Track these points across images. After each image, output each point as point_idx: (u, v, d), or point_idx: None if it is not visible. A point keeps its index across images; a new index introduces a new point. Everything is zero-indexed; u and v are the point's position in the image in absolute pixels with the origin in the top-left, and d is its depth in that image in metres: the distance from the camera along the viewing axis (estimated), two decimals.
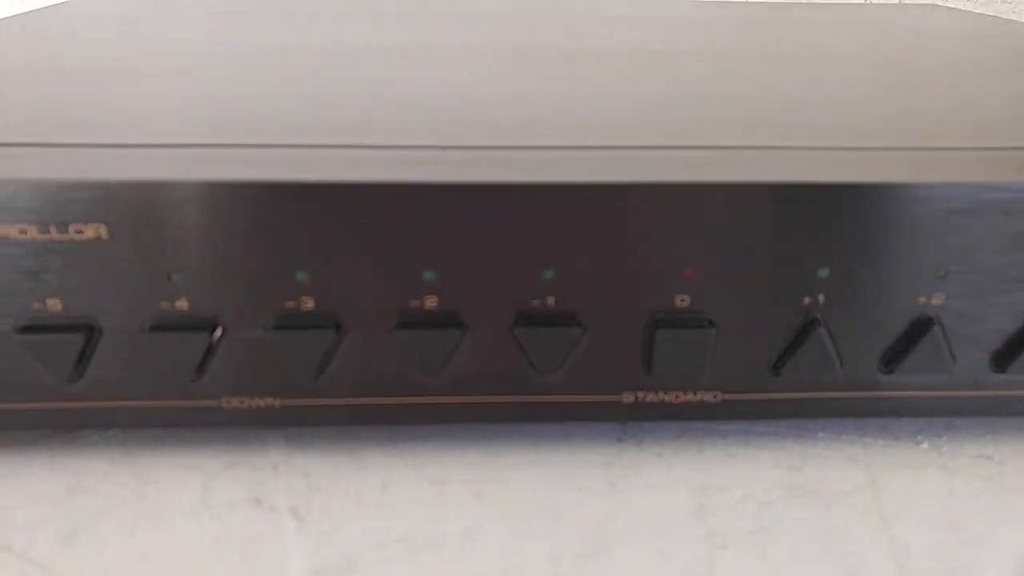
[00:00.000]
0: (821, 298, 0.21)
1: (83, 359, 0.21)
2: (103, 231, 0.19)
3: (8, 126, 0.22)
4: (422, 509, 0.21)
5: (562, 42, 0.37)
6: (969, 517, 0.21)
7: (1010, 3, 0.65)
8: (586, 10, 0.48)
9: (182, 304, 0.20)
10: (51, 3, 0.49)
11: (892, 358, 0.22)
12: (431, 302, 0.21)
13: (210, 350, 0.21)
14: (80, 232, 0.19)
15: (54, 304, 0.20)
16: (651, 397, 0.22)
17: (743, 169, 0.20)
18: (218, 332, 0.21)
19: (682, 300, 0.21)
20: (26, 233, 0.19)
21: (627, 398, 0.22)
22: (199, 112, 0.24)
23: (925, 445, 0.24)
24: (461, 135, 0.22)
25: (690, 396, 0.22)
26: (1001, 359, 0.22)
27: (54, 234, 0.19)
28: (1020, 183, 0.20)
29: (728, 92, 0.28)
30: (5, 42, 0.34)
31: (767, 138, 0.23)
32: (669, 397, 0.22)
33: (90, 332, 0.20)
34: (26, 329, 0.20)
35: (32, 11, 0.43)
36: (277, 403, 0.22)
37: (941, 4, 0.60)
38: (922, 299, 0.21)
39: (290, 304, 0.20)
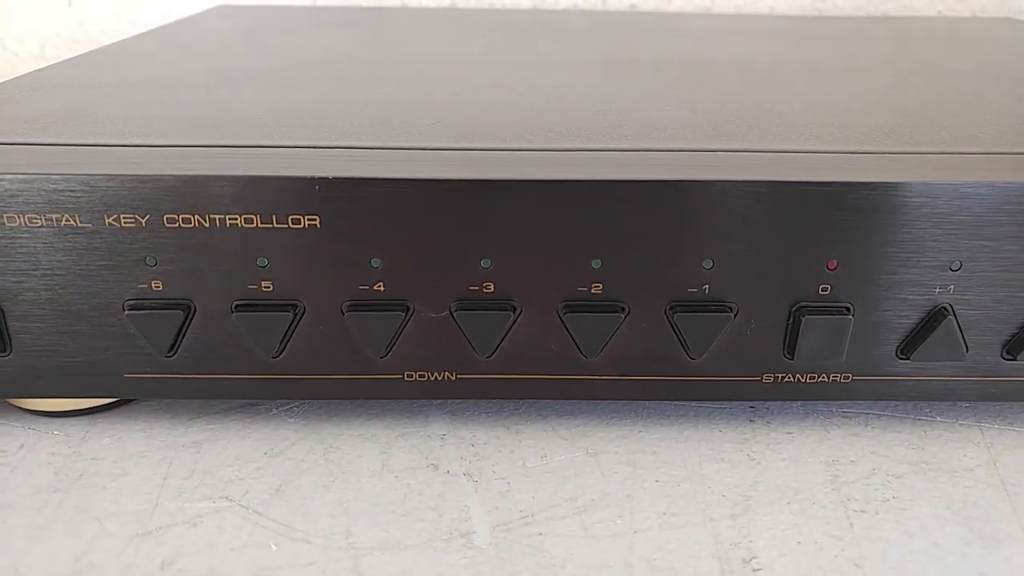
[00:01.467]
0: (952, 288, 0.23)
1: (287, 336, 0.23)
2: (316, 221, 0.22)
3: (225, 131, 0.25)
4: (582, 475, 0.24)
5: (648, 56, 0.39)
6: None
7: None
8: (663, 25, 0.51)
9: (378, 287, 0.23)
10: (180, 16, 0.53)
11: (1014, 346, 0.24)
12: (596, 288, 0.23)
13: (399, 329, 0.23)
14: (298, 222, 0.22)
15: (266, 286, 0.23)
16: (789, 378, 0.24)
17: (873, 171, 0.22)
18: (408, 312, 0.23)
19: (824, 289, 0.23)
20: (252, 223, 0.22)
21: (767, 379, 0.24)
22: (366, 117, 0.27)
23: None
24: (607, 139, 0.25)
25: (824, 378, 0.24)
26: None
27: (274, 224, 0.22)
28: None
29: (815, 100, 0.30)
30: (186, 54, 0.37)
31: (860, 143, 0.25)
32: (806, 379, 0.24)
33: (293, 310, 0.23)
34: (240, 307, 0.23)
35: (171, 23, 0.47)
36: (454, 377, 0.24)
37: (1014, 17, 0.61)
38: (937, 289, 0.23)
39: (472, 287, 0.23)
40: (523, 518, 0.22)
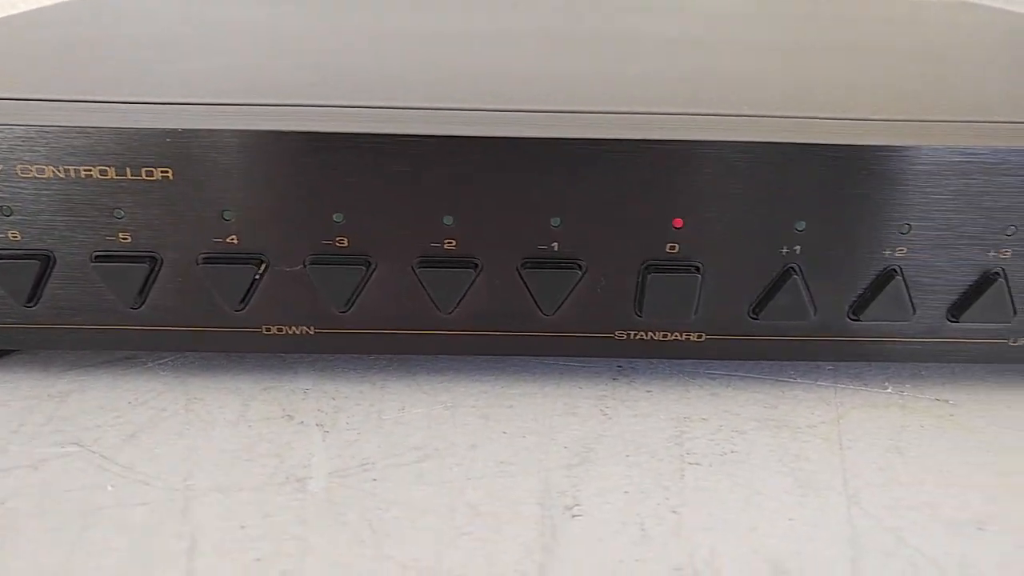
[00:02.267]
0: (798, 248, 0.24)
1: (145, 287, 0.24)
2: (169, 173, 0.23)
3: (87, 87, 0.26)
4: (434, 427, 0.24)
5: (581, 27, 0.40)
6: (913, 444, 0.24)
7: None
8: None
9: (232, 240, 0.23)
10: None
11: (859, 306, 0.24)
12: (450, 244, 0.23)
13: (255, 282, 0.24)
14: (150, 174, 0.23)
15: (124, 237, 0.23)
16: (641, 336, 0.25)
17: (729, 132, 0.23)
18: (262, 266, 0.24)
19: (672, 248, 0.24)
20: (106, 174, 0.22)
21: (620, 335, 0.25)
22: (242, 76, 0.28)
23: (890, 390, 0.27)
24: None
25: (677, 336, 0.25)
26: (956, 309, 0.24)
27: (128, 175, 0.23)
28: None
29: (741, 72, 0.31)
30: (68, 21, 0.38)
31: (759, 109, 0.25)
32: (658, 336, 0.25)
33: (152, 262, 0.24)
34: (99, 258, 0.24)
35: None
36: (312, 331, 0.25)
37: (971, 1, 0.61)
38: (887, 252, 0.24)
39: (325, 242, 0.23)
40: (362, 465, 0.23)
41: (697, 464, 0.23)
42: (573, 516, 0.21)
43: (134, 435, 0.24)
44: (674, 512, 0.21)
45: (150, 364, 0.27)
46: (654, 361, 0.28)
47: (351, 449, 0.23)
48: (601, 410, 0.25)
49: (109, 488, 0.21)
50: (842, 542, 0.20)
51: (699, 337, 0.25)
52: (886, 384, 0.27)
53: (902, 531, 0.21)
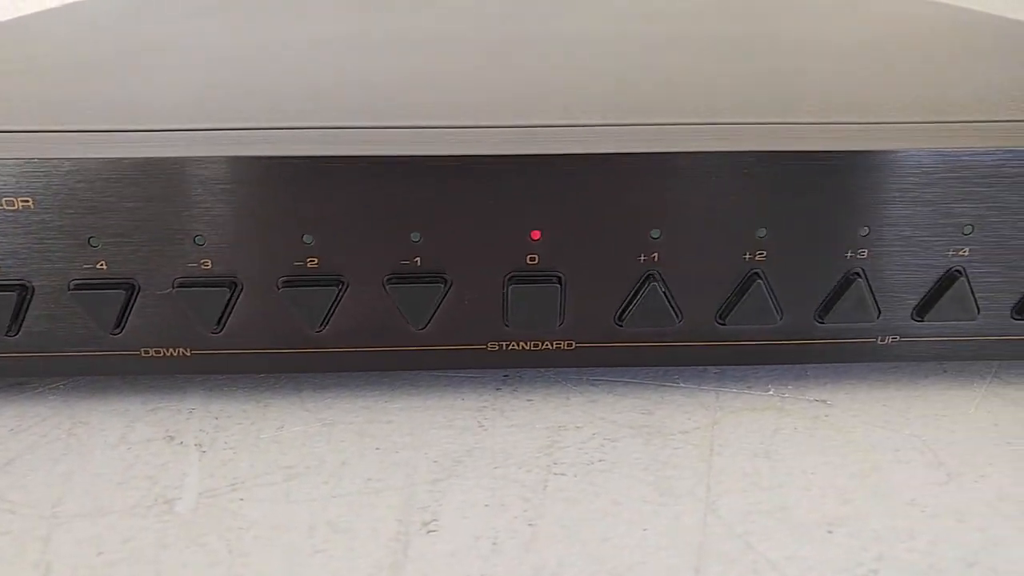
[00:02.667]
0: (656, 256, 0.24)
1: (19, 315, 0.24)
2: (30, 203, 0.23)
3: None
4: (309, 445, 0.25)
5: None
6: (783, 448, 0.24)
7: None
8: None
9: (101, 265, 0.24)
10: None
11: (726, 310, 0.25)
12: (312, 263, 0.24)
13: (126, 306, 0.24)
14: (11, 203, 0.23)
15: None
16: (513, 346, 0.25)
17: (578, 144, 0.23)
18: (134, 290, 0.24)
19: (532, 259, 0.24)
20: None
21: (492, 347, 0.25)
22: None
23: (772, 392, 0.27)
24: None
25: (547, 345, 0.25)
26: (822, 310, 0.25)
27: None
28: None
29: (606, 73, 0.31)
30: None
31: (616, 118, 0.25)
32: (528, 346, 0.25)
33: (22, 290, 0.24)
34: None
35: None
36: (188, 352, 0.25)
37: None
38: (747, 256, 0.24)
39: (191, 265, 0.24)
40: (232, 485, 0.23)
41: (562, 475, 0.23)
42: (428, 532, 0.21)
43: (10, 462, 0.24)
44: (530, 525, 0.22)
45: (40, 389, 0.27)
46: (543, 370, 0.28)
47: (224, 469, 0.24)
48: (479, 422, 0.26)
49: None
50: (690, 550, 0.21)
51: (569, 345, 0.25)
52: (769, 387, 0.27)
53: (751, 536, 0.21)
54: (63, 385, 0.28)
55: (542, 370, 0.28)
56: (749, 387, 0.27)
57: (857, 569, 0.20)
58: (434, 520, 0.22)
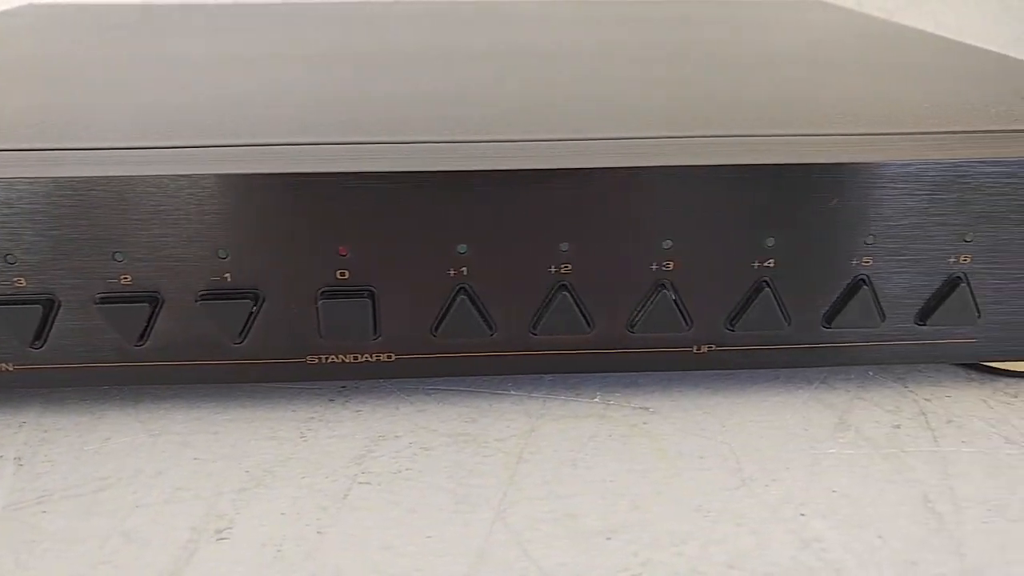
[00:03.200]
0: (465, 270, 0.24)
1: None
2: None
3: None
4: (131, 455, 0.25)
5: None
6: (592, 455, 0.25)
7: None
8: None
9: None
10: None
11: (538, 320, 0.25)
12: (126, 280, 0.24)
13: None
14: None
15: None
16: (332, 359, 0.26)
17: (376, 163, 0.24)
18: None
19: (342, 274, 0.24)
20: None
21: (312, 360, 0.26)
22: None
23: (598, 399, 0.28)
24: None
25: (367, 357, 0.26)
26: (632, 320, 0.25)
27: None
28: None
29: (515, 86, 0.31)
30: None
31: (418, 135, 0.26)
32: (348, 358, 0.26)
33: None
34: None
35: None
36: (11, 368, 0.25)
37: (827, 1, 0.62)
38: (553, 269, 0.24)
39: (3, 282, 0.24)
40: (39, 498, 0.23)
41: (367, 483, 0.24)
42: (219, 539, 0.22)
43: None
44: (319, 533, 0.22)
45: None
46: (382, 381, 0.29)
47: (37, 482, 0.24)
48: (301, 433, 0.26)
49: None
50: (467, 558, 0.21)
51: (388, 357, 0.26)
52: (596, 395, 0.28)
53: (531, 544, 0.22)
54: None
55: (379, 381, 0.29)
56: (578, 395, 0.28)
57: (621, 574, 0.21)
58: (228, 528, 0.22)
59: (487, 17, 0.50)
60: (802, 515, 0.23)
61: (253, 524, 0.22)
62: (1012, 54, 0.38)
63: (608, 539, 0.22)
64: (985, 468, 0.24)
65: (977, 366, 0.29)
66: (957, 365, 0.30)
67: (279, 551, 0.21)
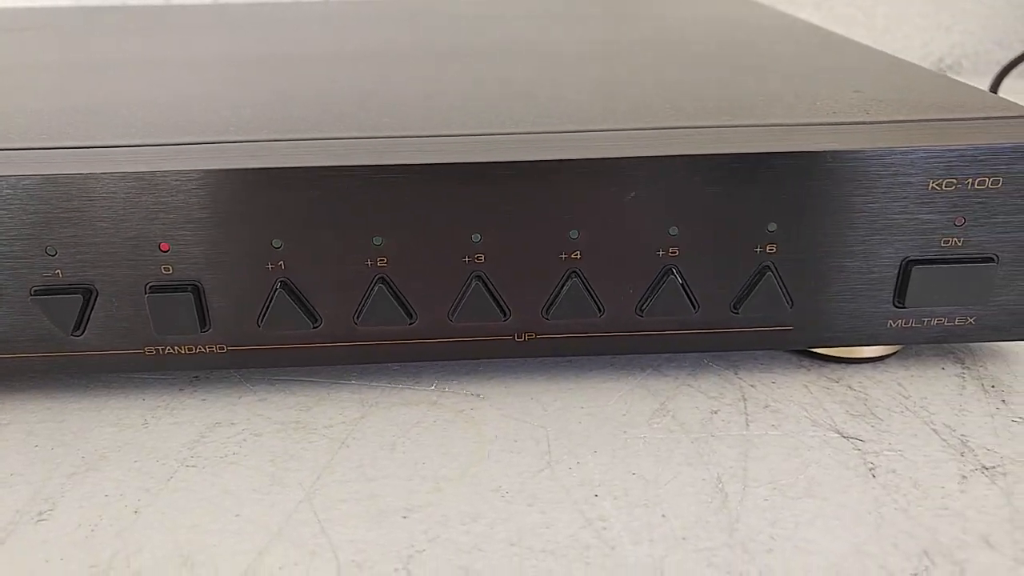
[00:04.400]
0: (283, 264, 0.26)
1: None
2: None
3: None
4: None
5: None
6: (412, 440, 0.26)
7: None
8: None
9: None
10: None
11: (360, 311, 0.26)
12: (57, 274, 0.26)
13: None
14: None
15: None
16: (169, 351, 0.27)
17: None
18: None
19: (166, 268, 0.26)
20: None
21: (149, 351, 0.27)
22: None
23: (434, 387, 0.29)
24: None
25: (200, 348, 0.27)
26: (453, 308, 0.26)
27: None
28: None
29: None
30: None
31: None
32: (180, 350, 0.27)
33: None
34: None
35: None
36: None
37: None
38: (368, 262, 0.26)
39: None
40: None
41: (193, 467, 0.25)
42: (39, 520, 0.23)
43: None
44: (135, 512, 0.23)
45: None
46: (233, 371, 0.30)
47: None
48: (145, 420, 0.28)
49: None
50: (268, 534, 0.23)
51: (221, 349, 0.27)
52: (433, 382, 0.29)
53: (330, 523, 0.23)
54: None
55: (233, 371, 0.30)
56: (417, 383, 0.29)
57: (405, 550, 0.22)
58: (50, 510, 0.24)
59: (485, 17, 0.51)
60: (595, 496, 0.24)
61: (74, 506, 0.24)
62: (936, 43, 0.39)
63: (404, 518, 0.23)
64: (784, 450, 0.26)
65: (808, 353, 0.30)
66: (791, 352, 0.31)
67: (93, 530, 0.23)
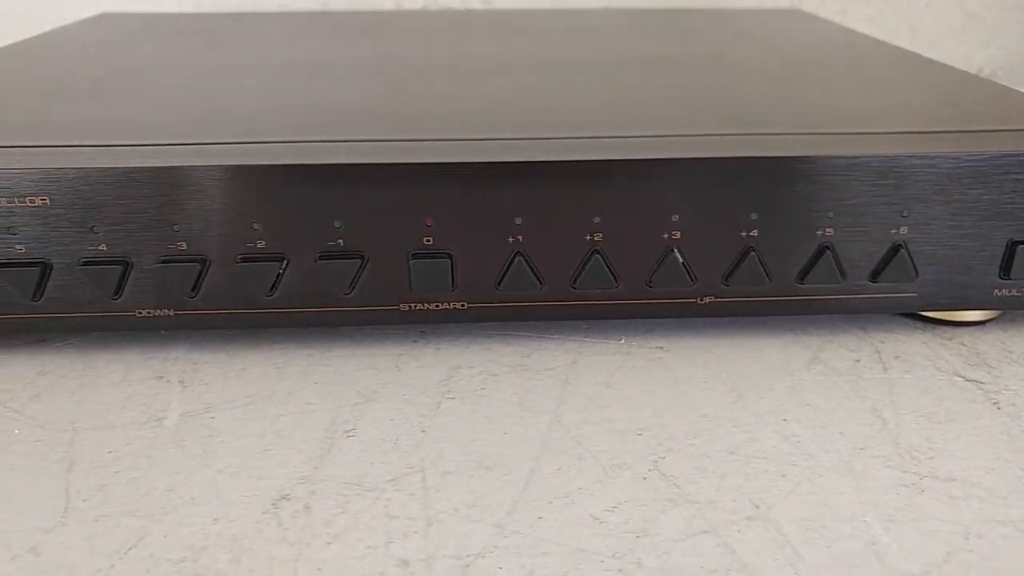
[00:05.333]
0: (521, 238, 0.32)
1: (41, 285, 0.32)
2: (47, 200, 0.31)
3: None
4: (265, 381, 0.33)
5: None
6: (620, 380, 0.32)
7: (872, 5, 0.75)
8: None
9: (103, 247, 0.32)
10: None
11: (576, 277, 0.33)
12: (261, 244, 0.32)
13: (122, 278, 0.32)
14: (32, 201, 0.31)
15: (19, 248, 0.31)
16: (420, 307, 0.33)
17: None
18: (128, 266, 0.32)
19: (427, 239, 0.32)
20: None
21: (403, 308, 0.33)
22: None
23: (623, 341, 0.35)
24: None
25: (446, 306, 0.33)
26: (650, 277, 0.33)
27: (16, 202, 0.31)
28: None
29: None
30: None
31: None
32: (431, 307, 0.33)
33: (43, 266, 0.32)
34: (4, 265, 0.32)
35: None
36: (171, 313, 0.33)
37: (803, 10, 0.70)
38: (588, 235, 0.32)
39: (171, 246, 0.32)
40: (206, 408, 0.31)
41: (452, 399, 0.31)
42: (348, 436, 0.29)
43: (39, 394, 0.32)
44: (423, 431, 0.30)
45: (59, 344, 0.35)
46: (461, 325, 0.36)
47: (201, 398, 0.32)
48: (396, 364, 0.34)
49: (15, 431, 0.30)
50: (535, 447, 0.29)
51: (462, 306, 0.33)
52: (621, 337, 0.36)
53: (581, 438, 0.29)
54: (75, 341, 0.35)
55: (449, 325, 0.36)
56: (606, 338, 0.36)
57: (651, 456, 0.28)
58: (352, 429, 0.30)
59: (522, 30, 0.58)
60: (783, 420, 0.30)
61: (370, 427, 0.30)
62: (975, 56, 0.45)
63: (639, 435, 0.29)
64: (919, 389, 0.32)
65: (920, 317, 0.37)
66: (905, 316, 0.37)
67: (395, 444, 0.29)
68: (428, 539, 0.25)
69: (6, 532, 0.25)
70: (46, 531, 0.25)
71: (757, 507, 0.26)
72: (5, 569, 0.24)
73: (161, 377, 0.33)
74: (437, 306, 0.33)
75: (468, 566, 0.24)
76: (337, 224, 0.31)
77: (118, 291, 0.32)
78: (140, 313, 0.33)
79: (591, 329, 0.36)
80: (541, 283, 0.33)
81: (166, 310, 0.33)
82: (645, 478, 0.27)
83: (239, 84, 0.42)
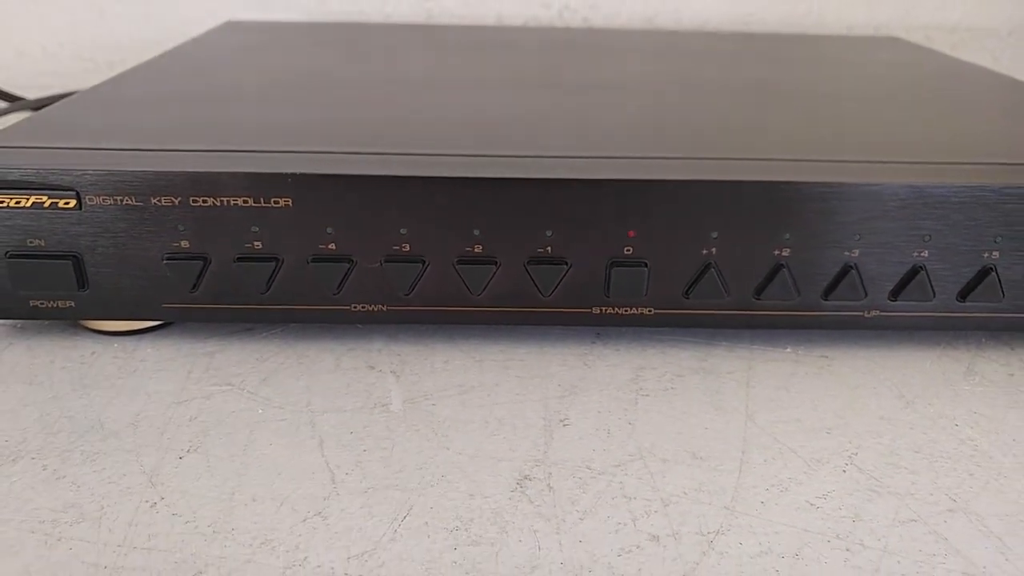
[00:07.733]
0: (714, 250, 0.35)
1: (272, 279, 0.35)
2: (290, 202, 0.34)
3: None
4: (469, 373, 0.36)
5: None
6: (797, 384, 0.35)
7: (956, 33, 0.78)
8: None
9: (331, 246, 0.35)
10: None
11: (760, 289, 0.36)
12: (478, 248, 0.35)
13: (346, 275, 0.35)
14: (277, 203, 0.34)
15: (257, 244, 0.35)
16: (610, 310, 0.36)
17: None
18: (351, 264, 0.35)
19: (628, 249, 0.35)
20: (247, 203, 0.34)
21: (595, 311, 0.36)
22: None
23: (789, 350, 0.38)
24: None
25: (634, 311, 0.36)
26: (827, 292, 0.36)
27: (261, 203, 0.34)
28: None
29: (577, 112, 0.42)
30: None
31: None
32: (621, 311, 0.36)
33: (275, 262, 0.35)
34: (239, 259, 0.35)
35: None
36: (385, 308, 0.36)
37: (901, 38, 0.73)
38: (776, 251, 0.35)
39: (395, 248, 0.35)
40: (425, 396, 0.34)
41: (647, 396, 0.34)
42: (564, 425, 0.32)
43: (266, 378, 0.35)
44: (629, 423, 0.33)
45: (264, 333, 0.38)
46: (621, 329, 0.39)
47: (416, 387, 0.35)
48: (584, 362, 0.37)
49: (259, 411, 0.33)
50: (739, 441, 0.32)
51: (649, 312, 0.36)
52: (787, 347, 0.38)
53: (777, 435, 0.32)
54: (279, 331, 0.39)
55: (623, 329, 0.39)
56: (773, 346, 0.38)
57: (844, 452, 0.31)
58: (566, 419, 0.33)
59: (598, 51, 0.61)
60: (955, 425, 0.33)
61: (581, 417, 0.33)
62: None
63: (828, 433, 0.32)
64: None
65: None
66: None
67: (609, 433, 0.32)
68: (668, 517, 0.28)
69: (290, 497, 0.28)
70: (324, 498, 0.28)
71: (955, 500, 0.29)
72: (299, 528, 0.27)
73: (372, 367, 0.36)
74: (626, 311, 0.36)
75: (711, 542, 0.27)
76: (548, 233, 0.34)
77: (340, 287, 0.35)
78: (355, 308, 0.36)
79: (756, 338, 0.39)
80: (727, 293, 0.36)
81: (380, 305, 0.36)
82: (844, 471, 0.30)
83: (419, 98, 0.45)
